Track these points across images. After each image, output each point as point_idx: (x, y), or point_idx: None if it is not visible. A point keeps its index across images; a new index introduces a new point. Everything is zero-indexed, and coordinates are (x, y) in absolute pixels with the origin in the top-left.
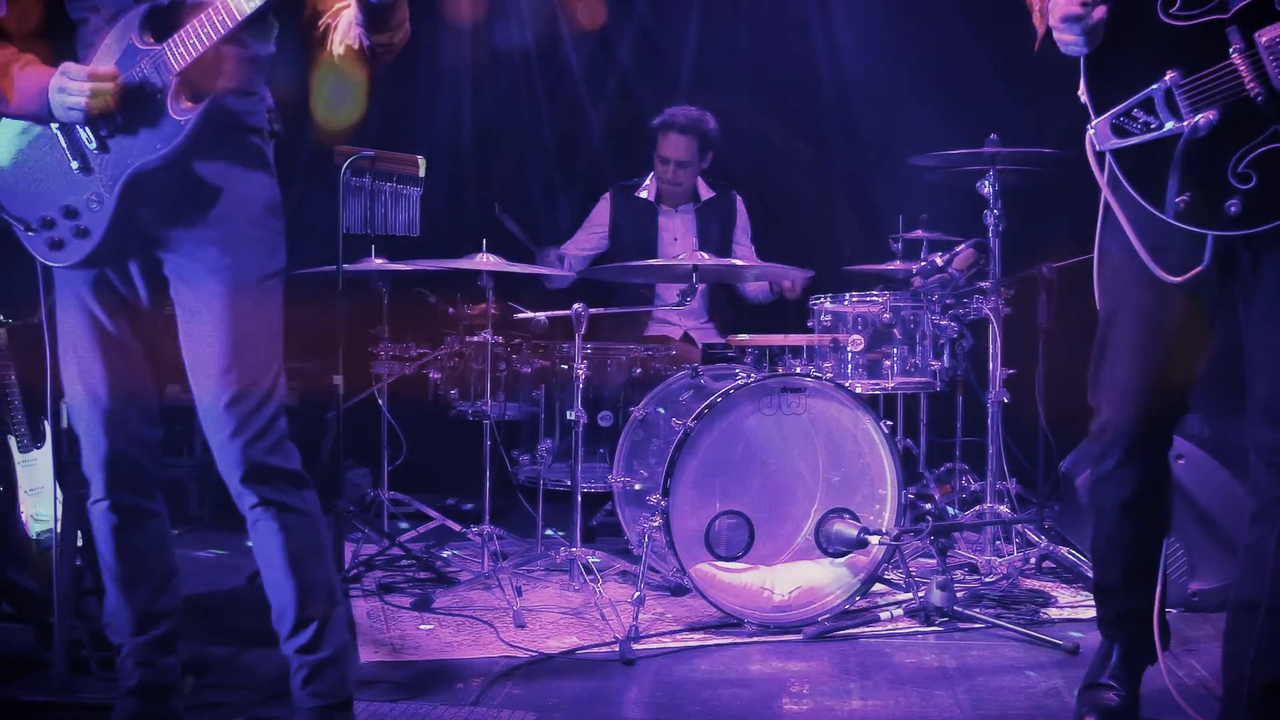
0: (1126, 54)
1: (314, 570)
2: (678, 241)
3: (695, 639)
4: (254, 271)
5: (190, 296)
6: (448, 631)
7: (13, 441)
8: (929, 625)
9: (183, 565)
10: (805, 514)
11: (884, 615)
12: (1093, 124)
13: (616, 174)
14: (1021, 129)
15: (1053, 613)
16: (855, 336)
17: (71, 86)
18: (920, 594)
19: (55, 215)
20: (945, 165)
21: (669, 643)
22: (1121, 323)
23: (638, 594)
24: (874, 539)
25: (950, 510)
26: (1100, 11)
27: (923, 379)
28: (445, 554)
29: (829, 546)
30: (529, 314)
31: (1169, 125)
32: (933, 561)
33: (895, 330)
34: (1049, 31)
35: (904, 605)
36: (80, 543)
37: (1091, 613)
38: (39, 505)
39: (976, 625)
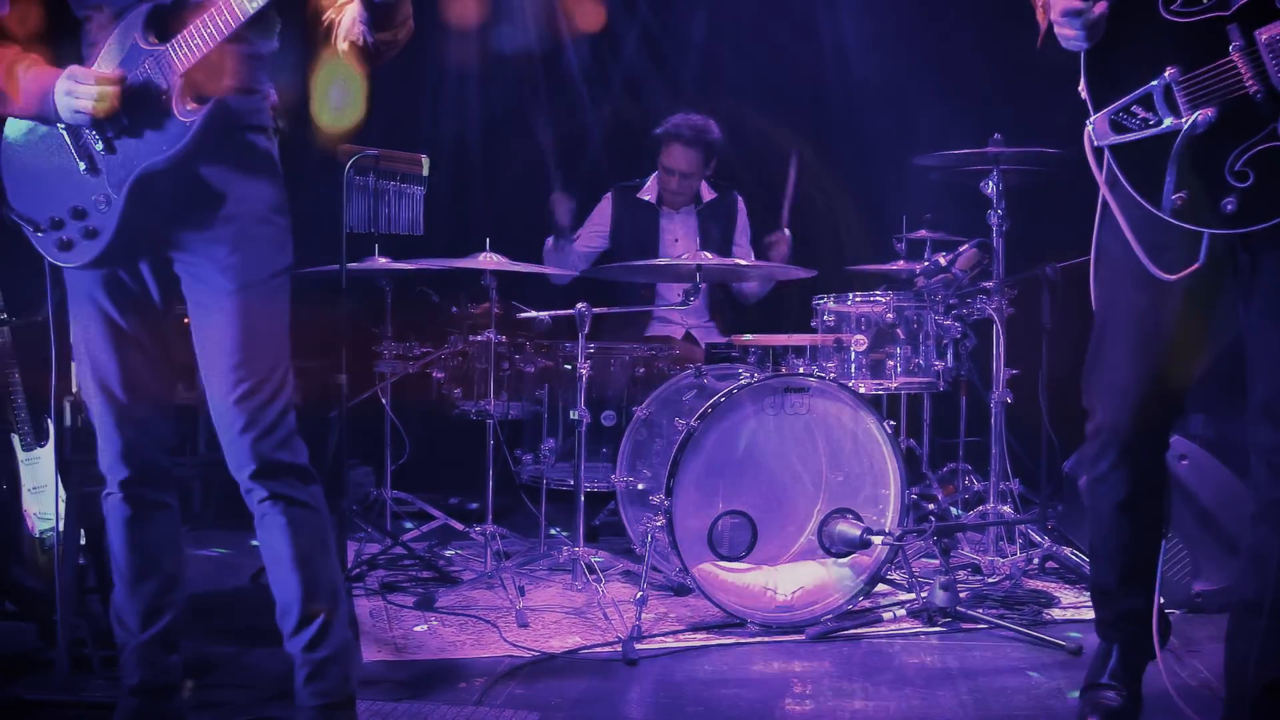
0: (1127, 50)
1: (319, 566)
2: (679, 242)
3: (698, 639)
4: (263, 269)
5: (201, 294)
6: (450, 631)
7: (16, 440)
8: (932, 626)
9: (185, 565)
10: (808, 514)
11: (887, 616)
12: (1091, 120)
13: (618, 173)
14: (1025, 129)
15: (1056, 613)
16: (859, 336)
17: (77, 90)
18: (923, 594)
19: (64, 216)
20: (949, 165)
21: (672, 643)
22: (1117, 321)
23: (640, 594)
24: (877, 539)
25: (953, 511)
26: (1101, 6)
27: (926, 379)
28: (448, 553)
29: (832, 547)
30: (532, 313)
31: (1167, 122)
32: (935, 562)
33: (899, 330)
34: (1051, 28)
35: (907, 606)
36: (83, 541)
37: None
38: (43, 504)
39: (979, 626)
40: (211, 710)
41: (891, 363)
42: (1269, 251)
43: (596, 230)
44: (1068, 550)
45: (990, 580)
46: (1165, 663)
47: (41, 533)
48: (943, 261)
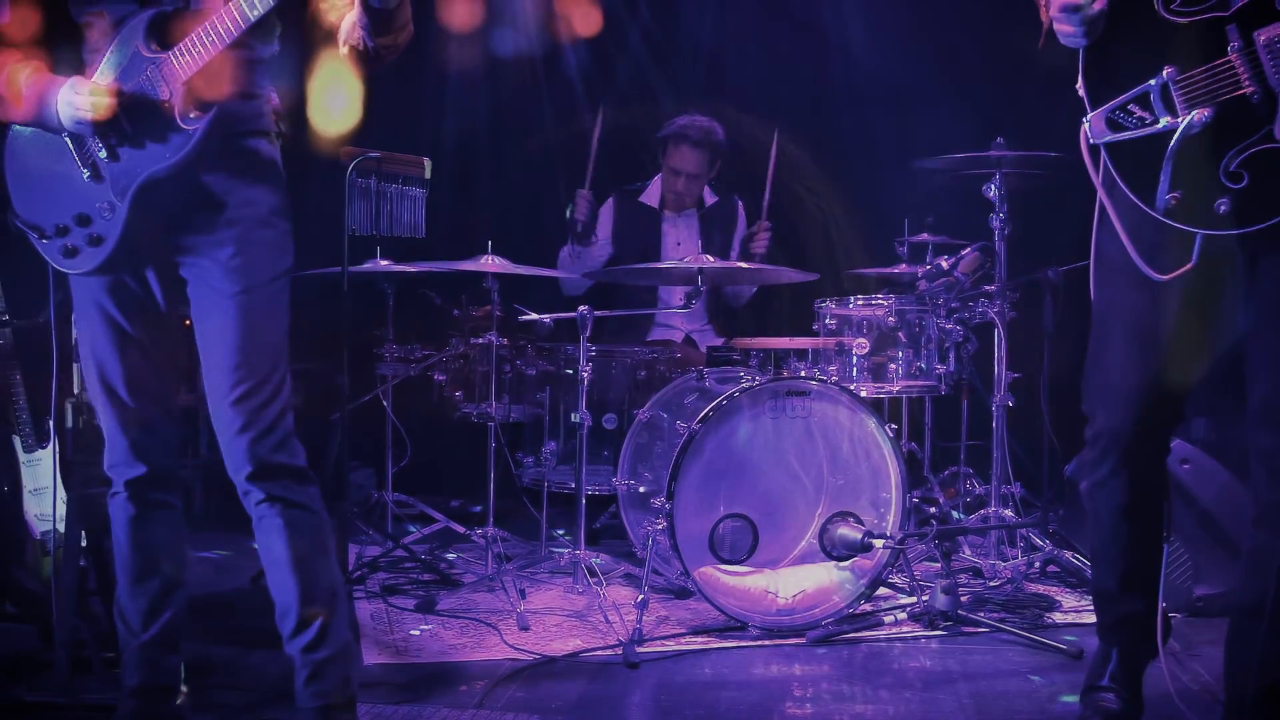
0: (1125, 48)
1: (317, 568)
2: (681, 246)
3: (699, 642)
4: (264, 272)
5: (203, 297)
6: (451, 634)
7: (17, 442)
8: (933, 629)
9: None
10: (809, 517)
11: (888, 619)
12: (1088, 117)
13: (618, 177)
14: (1028, 132)
15: (1057, 617)
16: (860, 340)
17: (79, 100)
18: (924, 598)
19: (68, 223)
20: (951, 168)
21: (672, 646)
22: (1116, 324)
23: (641, 597)
24: (878, 543)
25: (955, 514)
26: (1100, 3)
27: (927, 383)
28: (449, 556)
29: (833, 550)
30: (534, 316)
31: (1163, 121)
32: (937, 565)
33: (900, 334)
34: (1052, 26)
35: (908, 609)
36: (84, 543)
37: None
38: (44, 505)
39: (981, 629)
40: (211, 712)
41: (893, 366)
42: (1268, 254)
43: (603, 239)
44: (1069, 554)
45: (991, 584)
46: (1167, 666)
47: (43, 534)
48: (945, 265)
